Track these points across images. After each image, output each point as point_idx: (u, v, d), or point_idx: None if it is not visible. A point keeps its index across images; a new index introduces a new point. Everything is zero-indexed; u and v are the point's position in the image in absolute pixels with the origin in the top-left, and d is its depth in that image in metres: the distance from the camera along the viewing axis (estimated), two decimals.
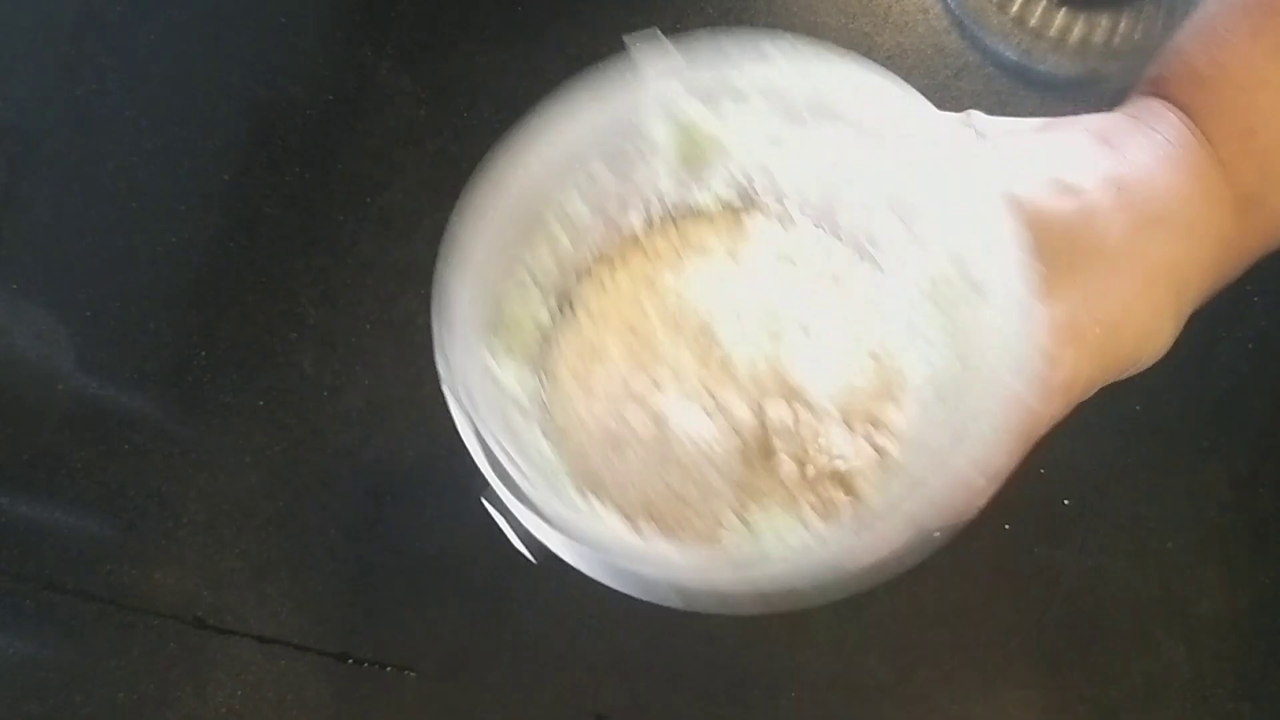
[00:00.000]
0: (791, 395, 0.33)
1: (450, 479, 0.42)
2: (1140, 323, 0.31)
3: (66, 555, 0.41)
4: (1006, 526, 0.41)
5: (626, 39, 0.27)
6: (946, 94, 0.45)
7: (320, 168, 0.44)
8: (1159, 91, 0.36)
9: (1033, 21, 0.45)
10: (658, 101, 0.29)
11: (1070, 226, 0.30)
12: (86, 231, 0.44)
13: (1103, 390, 0.34)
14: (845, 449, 0.33)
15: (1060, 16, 0.45)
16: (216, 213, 0.44)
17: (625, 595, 0.26)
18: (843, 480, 0.33)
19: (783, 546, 0.27)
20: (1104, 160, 0.33)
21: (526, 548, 0.24)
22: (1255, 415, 0.43)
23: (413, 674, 0.41)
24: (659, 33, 0.27)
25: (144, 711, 0.41)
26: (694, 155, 0.31)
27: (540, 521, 0.24)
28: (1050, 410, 0.29)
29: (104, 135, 0.44)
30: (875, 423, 0.33)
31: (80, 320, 0.43)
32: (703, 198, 0.34)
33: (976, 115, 0.35)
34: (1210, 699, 0.41)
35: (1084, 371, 0.30)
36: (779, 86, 0.29)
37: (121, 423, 0.42)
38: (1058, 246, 0.27)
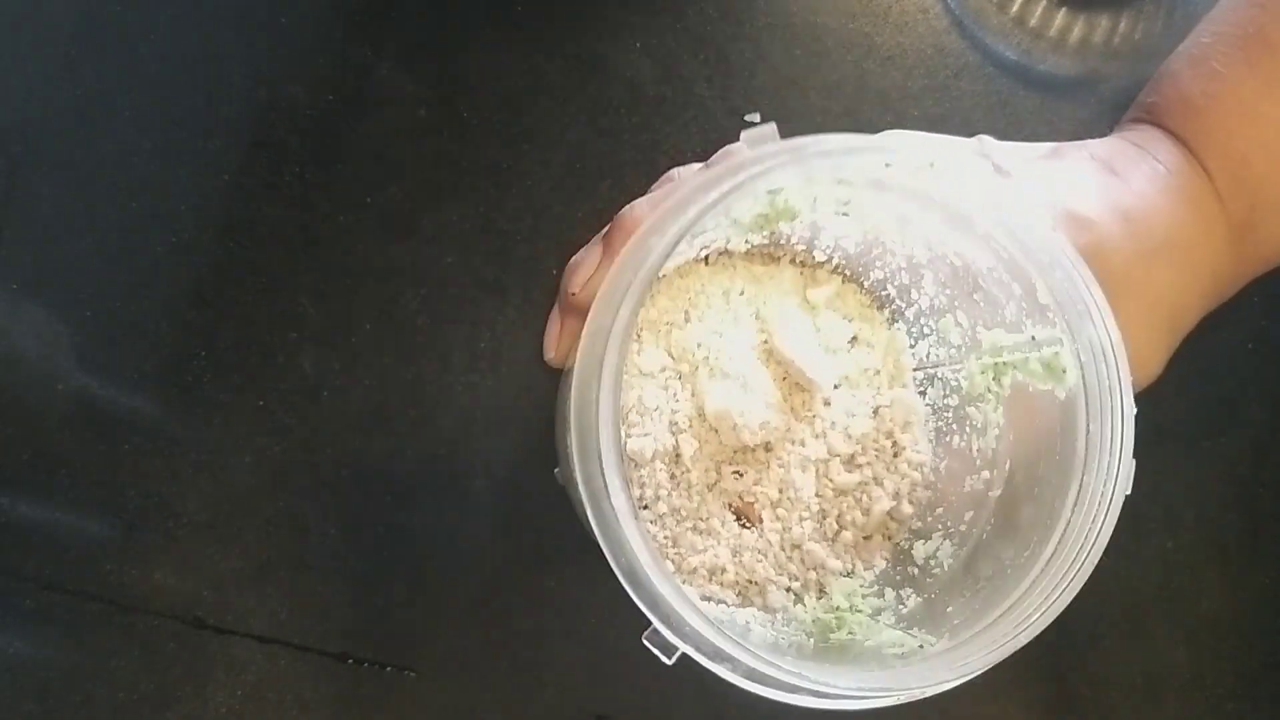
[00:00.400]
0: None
1: (450, 479, 0.42)
2: (1136, 349, 0.32)
3: (66, 555, 0.41)
4: None
5: (744, 134, 0.26)
6: (946, 94, 0.45)
7: (320, 168, 0.44)
8: (1154, 118, 0.37)
9: (1033, 21, 0.46)
10: (764, 189, 0.28)
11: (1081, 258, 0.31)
12: (86, 231, 0.44)
13: None
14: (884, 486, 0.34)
15: (1060, 16, 0.46)
16: (216, 213, 0.44)
17: (626, 597, 0.26)
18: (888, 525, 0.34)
19: (890, 653, 0.30)
20: (1111, 189, 0.33)
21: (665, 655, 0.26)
22: (1255, 415, 0.43)
23: (413, 674, 0.41)
24: (775, 128, 0.26)
25: (144, 711, 0.41)
26: (766, 225, 0.31)
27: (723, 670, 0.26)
28: None
29: (104, 135, 0.44)
30: (896, 450, 0.34)
31: (80, 320, 0.43)
32: (738, 243, 0.35)
33: (988, 141, 0.35)
34: (1210, 699, 0.41)
35: None
36: (882, 179, 0.28)
37: (121, 423, 0.42)
38: None
